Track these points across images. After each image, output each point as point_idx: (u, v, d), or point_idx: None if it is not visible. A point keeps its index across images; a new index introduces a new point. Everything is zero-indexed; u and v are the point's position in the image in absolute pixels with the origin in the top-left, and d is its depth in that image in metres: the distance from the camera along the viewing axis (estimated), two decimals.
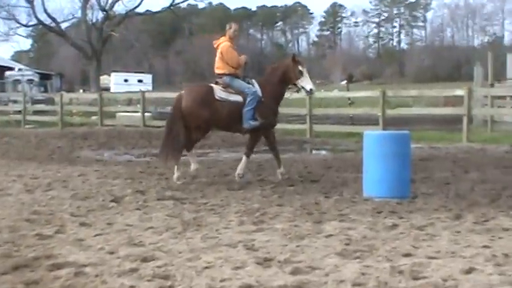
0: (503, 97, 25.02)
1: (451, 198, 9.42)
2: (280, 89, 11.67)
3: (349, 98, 26.54)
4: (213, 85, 11.58)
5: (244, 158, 11.60)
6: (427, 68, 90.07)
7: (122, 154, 17.60)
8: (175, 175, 11.38)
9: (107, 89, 56.36)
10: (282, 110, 28.00)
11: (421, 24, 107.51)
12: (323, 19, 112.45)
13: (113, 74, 66.48)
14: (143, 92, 29.66)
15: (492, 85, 25.13)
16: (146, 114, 27.68)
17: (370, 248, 6.53)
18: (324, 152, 17.98)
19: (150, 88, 59.74)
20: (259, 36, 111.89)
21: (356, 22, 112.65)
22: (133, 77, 66.86)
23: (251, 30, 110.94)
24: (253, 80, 11.58)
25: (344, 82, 56.46)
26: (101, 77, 59.96)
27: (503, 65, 34.49)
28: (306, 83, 11.43)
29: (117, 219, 8.23)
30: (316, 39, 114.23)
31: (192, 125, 11.46)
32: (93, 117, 29.89)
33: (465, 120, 18.93)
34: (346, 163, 13.92)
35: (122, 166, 14.25)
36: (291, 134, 22.32)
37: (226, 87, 11.42)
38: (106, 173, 12.88)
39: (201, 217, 8.27)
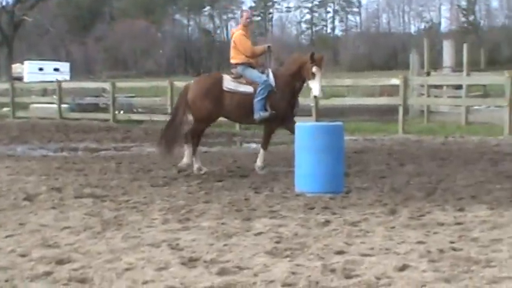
0: (439, 86, 25.56)
1: (386, 192, 9.59)
2: (294, 81, 11.66)
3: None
4: (224, 75, 11.87)
5: (261, 150, 11.95)
6: (362, 56, 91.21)
7: (37, 149, 17.29)
8: (184, 161, 11.69)
9: (20, 79, 54.99)
10: None
11: (355, 10, 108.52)
12: (253, 4, 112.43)
13: (26, 62, 64.93)
14: (60, 82, 29.22)
15: (428, 74, 25.64)
16: (63, 105, 27.23)
17: (302, 245, 6.59)
18: (254, 145, 18.01)
19: (68, 77, 58.66)
20: (185, 21, 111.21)
21: (288, 7, 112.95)
22: (48, 66, 65.45)
23: (177, 16, 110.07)
24: (269, 70, 11.69)
25: None
26: (13, 66, 58.65)
27: (439, 52, 35.17)
28: (314, 86, 11.36)
29: (30, 219, 8.08)
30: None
31: (196, 116, 11.83)
32: (4, 109, 29.31)
33: (401, 110, 19.28)
34: (277, 157, 14.01)
35: (36, 162, 13.99)
36: (220, 126, 22.24)
37: (238, 77, 11.67)
38: (18, 169, 12.64)
39: (122, 215, 8.21)
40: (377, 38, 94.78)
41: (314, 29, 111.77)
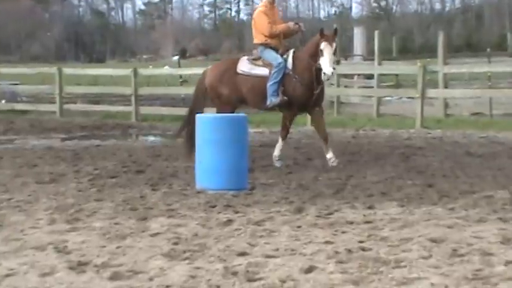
0: (350, 75, 25.97)
1: (293, 189, 9.69)
2: (310, 64, 11.38)
3: (180, 76, 26.59)
4: (243, 57, 11.95)
5: (279, 140, 11.84)
6: None
7: None
8: None
9: None
10: (104, 89, 27.66)
11: None
12: None
13: None
14: None
15: (338, 62, 26.01)
16: None
17: (202, 247, 6.60)
18: (151, 138, 17.94)
19: None
20: (76, 1, 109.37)
21: None
22: None
23: None
24: (290, 52, 11.63)
25: (176, 57, 56.48)
26: None
27: (350, 39, 35.82)
28: (324, 64, 11.08)
29: None
30: (143, 7, 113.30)
31: (215, 103, 11.93)
32: None
33: None
34: (177, 151, 13.92)
35: None
36: (114, 117, 22.08)
37: (257, 59, 11.65)
38: None
39: (3, 215, 8.06)
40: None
41: (217, 13, 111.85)
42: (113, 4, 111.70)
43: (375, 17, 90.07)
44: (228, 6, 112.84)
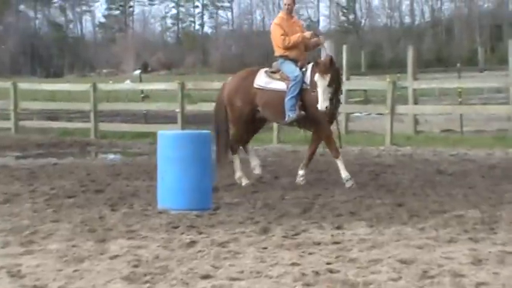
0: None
1: (259, 208, 9.69)
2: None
3: (142, 91, 26.51)
4: (261, 70, 11.86)
5: (336, 161, 11.68)
6: (235, 56, 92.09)
7: None
8: (237, 175, 11.58)
9: None
10: (61, 105, 27.43)
11: (227, 5, 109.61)
12: None
13: None
14: None
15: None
16: None
17: (163, 270, 6.56)
18: (111, 156, 17.84)
19: None
20: (32, 14, 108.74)
21: (151, 1, 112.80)
22: None
23: (21, 7, 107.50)
24: (309, 65, 11.51)
25: (137, 72, 56.36)
26: None
27: (317, 53, 35.93)
28: (318, 99, 10.96)
29: None
30: (103, 20, 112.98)
31: (230, 117, 11.87)
32: None
33: None
34: (138, 169, 13.91)
35: None
36: (72, 134, 21.95)
37: (276, 71, 11.64)
38: None
39: None
40: (250, 37, 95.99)
41: (180, 26, 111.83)
42: (71, 16, 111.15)
43: (343, 31, 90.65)
44: (192, 19, 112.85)
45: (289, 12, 11.93)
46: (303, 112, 11.29)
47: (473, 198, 10.32)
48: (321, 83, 10.83)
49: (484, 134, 20.06)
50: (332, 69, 10.99)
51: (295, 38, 11.50)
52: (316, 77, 10.91)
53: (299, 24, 12.03)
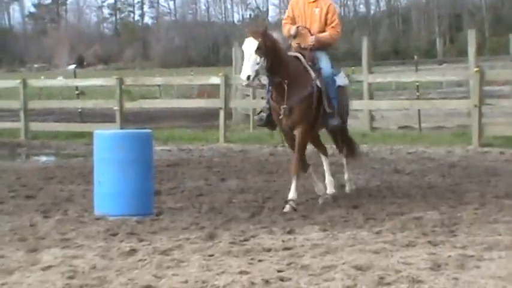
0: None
1: (204, 213, 9.70)
2: None
3: (77, 88, 26.34)
4: None
5: (292, 179, 10.05)
6: (178, 48, 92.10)
7: None
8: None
9: None
10: None
11: None
12: None
13: None
14: None
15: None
16: None
17: (101, 281, 6.52)
18: (44, 158, 17.70)
19: None
20: None
21: None
22: None
23: None
24: None
25: (72, 67, 56.00)
26: None
27: None
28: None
29: None
30: (33, 10, 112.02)
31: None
32: None
33: (222, 114, 19.56)
34: (72, 172, 13.82)
35: None
36: (0, 134, 21.71)
37: None
38: None
39: None
40: (194, 28, 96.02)
41: (119, 16, 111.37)
42: None
43: None
44: (131, 9, 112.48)
45: None
46: (267, 105, 10.40)
47: (433, 199, 10.45)
48: (248, 46, 9.53)
49: (443, 130, 20.31)
50: (266, 36, 9.55)
51: (284, 30, 10.50)
52: (245, 41, 9.66)
53: (325, 6, 10.24)
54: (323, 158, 11.02)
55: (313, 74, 9.91)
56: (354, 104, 19.14)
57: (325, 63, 10.16)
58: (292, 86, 9.69)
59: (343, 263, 6.94)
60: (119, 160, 9.54)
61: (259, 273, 6.66)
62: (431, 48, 61.32)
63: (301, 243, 7.86)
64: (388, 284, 6.28)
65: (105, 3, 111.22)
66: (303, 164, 10.30)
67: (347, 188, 11.06)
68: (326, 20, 10.20)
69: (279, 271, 6.73)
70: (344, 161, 11.31)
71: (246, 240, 8.09)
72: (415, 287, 6.16)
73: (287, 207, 9.70)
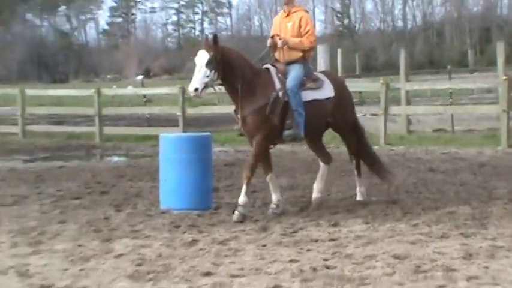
0: None
1: (258, 207, 9.69)
2: None
3: (144, 96, 26.52)
4: None
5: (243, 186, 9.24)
6: None
7: None
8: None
9: None
10: (67, 110, 27.28)
11: (226, 11, 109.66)
12: (114, 4, 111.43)
13: None
14: None
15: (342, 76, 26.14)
16: None
17: (166, 268, 6.56)
18: (116, 159, 17.83)
19: None
20: (38, 22, 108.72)
21: (153, 8, 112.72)
22: None
23: (28, 16, 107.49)
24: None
25: (140, 77, 56.34)
26: None
27: (313, 57, 35.88)
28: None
29: None
30: (106, 27, 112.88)
31: None
32: None
33: None
34: (141, 171, 13.91)
35: None
36: (77, 137, 21.94)
37: None
38: None
39: None
40: (249, 41, 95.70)
41: (181, 32, 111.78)
42: (75, 24, 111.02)
43: (338, 35, 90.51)
44: (192, 25, 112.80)
45: (285, 3, 9.71)
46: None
47: (465, 195, 10.33)
48: (200, 59, 8.86)
49: (474, 133, 20.05)
50: (216, 48, 8.85)
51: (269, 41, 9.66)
52: (197, 53, 8.96)
53: (295, 21, 9.50)
54: (322, 165, 10.13)
55: (277, 86, 9.08)
56: (393, 110, 19.13)
57: (291, 76, 9.17)
58: (247, 96, 9.00)
59: (383, 253, 6.92)
60: (182, 160, 9.57)
61: (307, 262, 6.66)
62: (463, 59, 60.46)
63: (345, 235, 7.85)
64: (424, 272, 6.23)
65: (169, 21, 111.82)
66: (266, 169, 9.52)
67: (358, 197, 10.11)
68: (300, 32, 9.40)
69: (325, 260, 6.74)
70: (355, 173, 10.32)
71: (295, 232, 8.09)
72: (448, 274, 6.11)
73: (236, 214, 8.83)
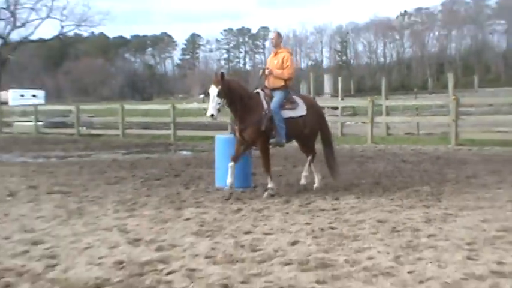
0: (322, 107, 25.88)
1: (283, 187, 9.64)
2: None
3: (204, 109, 26.51)
4: None
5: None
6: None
7: (18, 156, 16.65)
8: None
9: (5, 103, 52.66)
10: (152, 119, 27.40)
11: (261, 50, 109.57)
12: (184, 46, 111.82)
13: (10, 91, 62.39)
14: (36, 105, 28.31)
15: (314, 98, 25.93)
16: (39, 123, 26.38)
17: (219, 228, 6.58)
18: (184, 152, 17.88)
19: (43, 102, 56.87)
20: (133, 59, 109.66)
21: (211, 48, 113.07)
22: (27, 93, 63.39)
23: (126, 55, 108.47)
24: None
25: (201, 96, 56.53)
26: (1, 93, 56.34)
27: (321, 83, 35.72)
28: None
29: (11, 210, 7.82)
30: (179, 61, 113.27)
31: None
32: None
33: None
34: (202, 161, 13.94)
35: (17, 166, 13.49)
36: (158, 138, 22.07)
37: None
38: (4, 172, 12.16)
39: (83, 207, 8.03)
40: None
41: (230, 65, 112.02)
42: (158, 60, 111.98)
43: (338, 67, 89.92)
44: (238, 60, 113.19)
45: (274, 46, 9.35)
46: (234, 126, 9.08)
47: (426, 179, 10.21)
48: (212, 92, 8.52)
49: (433, 135, 19.81)
50: (223, 83, 8.53)
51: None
52: (210, 87, 8.60)
53: (279, 58, 9.14)
54: (308, 159, 9.58)
55: (265, 106, 8.72)
56: (377, 119, 18.98)
57: (275, 100, 8.79)
58: (245, 114, 8.64)
59: (370, 218, 6.88)
60: (230, 153, 9.54)
61: (317, 224, 6.64)
62: (424, 84, 59.80)
63: (343, 206, 7.81)
64: (398, 231, 6.20)
65: (222, 57, 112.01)
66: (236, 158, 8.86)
67: (316, 185, 9.40)
68: (283, 66, 9.03)
69: (329, 223, 6.72)
70: (312, 167, 9.59)
71: (308, 203, 8.07)
72: (415, 233, 6.06)
73: (265, 193, 8.65)
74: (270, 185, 8.78)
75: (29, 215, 7.49)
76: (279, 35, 9.32)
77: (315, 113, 9.43)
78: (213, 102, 8.42)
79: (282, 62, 9.10)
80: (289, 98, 9.04)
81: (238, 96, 8.63)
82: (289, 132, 8.88)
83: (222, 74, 8.66)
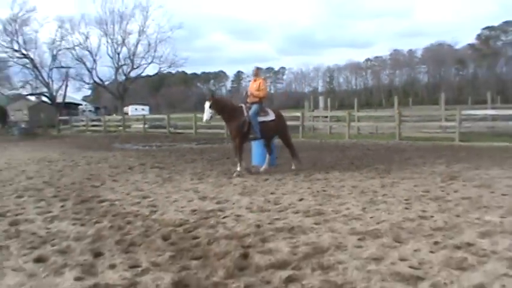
0: (317, 116, 25.59)
1: (295, 165, 9.38)
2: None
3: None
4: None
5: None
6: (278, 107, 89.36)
7: (133, 146, 16.84)
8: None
9: (127, 114, 53.53)
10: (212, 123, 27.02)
11: (281, 81, 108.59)
12: (233, 78, 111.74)
13: (130, 106, 63.58)
14: (144, 115, 28.62)
15: (313, 110, 25.73)
16: (145, 125, 26.69)
17: (255, 189, 6.52)
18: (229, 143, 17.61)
19: (148, 113, 57.63)
20: (202, 87, 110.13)
21: (249, 79, 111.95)
22: (139, 107, 64.48)
23: (198, 84, 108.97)
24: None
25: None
26: (124, 108, 57.42)
27: (317, 102, 35.17)
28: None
29: (130, 178, 7.87)
30: (230, 88, 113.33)
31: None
32: (120, 128, 28.57)
33: (300, 128, 19.12)
34: (245, 148, 13.65)
35: (134, 152, 13.64)
36: (217, 135, 21.82)
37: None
38: (125, 155, 12.31)
39: (172, 176, 8.02)
40: (291, 95, 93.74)
41: None
42: (217, 86, 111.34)
43: (328, 91, 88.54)
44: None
45: (254, 75, 8.79)
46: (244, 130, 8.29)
47: (382, 160, 9.91)
48: (206, 105, 8.00)
49: (385, 134, 19.30)
50: (212, 100, 8.03)
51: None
52: (205, 102, 8.08)
53: (257, 84, 8.55)
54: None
55: (245, 114, 8.19)
56: (352, 123, 18.53)
57: (252, 110, 8.26)
58: (231, 120, 8.17)
59: (347, 185, 6.70)
60: (261, 143, 9.39)
61: (315, 188, 6.50)
62: (380, 103, 58.77)
63: (332, 177, 7.61)
64: (365, 192, 6.05)
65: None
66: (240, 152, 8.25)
67: (293, 167, 8.69)
68: (259, 89, 8.51)
69: (322, 187, 6.57)
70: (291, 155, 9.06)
71: (310, 175, 7.88)
72: (375, 193, 5.92)
73: (234, 174, 7.89)
74: (238, 169, 8.04)
75: (140, 181, 7.55)
76: (258, 68, 9.02)
77: (281, 120, 8.98)
78: (207, 112, 7.97)
79: (259, 85, 8.78)
80: (262, 109, 8.68)
81: (226, 108, 8.12)
82: (262, 130, 8.54)
83: (213, 92, 8.39)
